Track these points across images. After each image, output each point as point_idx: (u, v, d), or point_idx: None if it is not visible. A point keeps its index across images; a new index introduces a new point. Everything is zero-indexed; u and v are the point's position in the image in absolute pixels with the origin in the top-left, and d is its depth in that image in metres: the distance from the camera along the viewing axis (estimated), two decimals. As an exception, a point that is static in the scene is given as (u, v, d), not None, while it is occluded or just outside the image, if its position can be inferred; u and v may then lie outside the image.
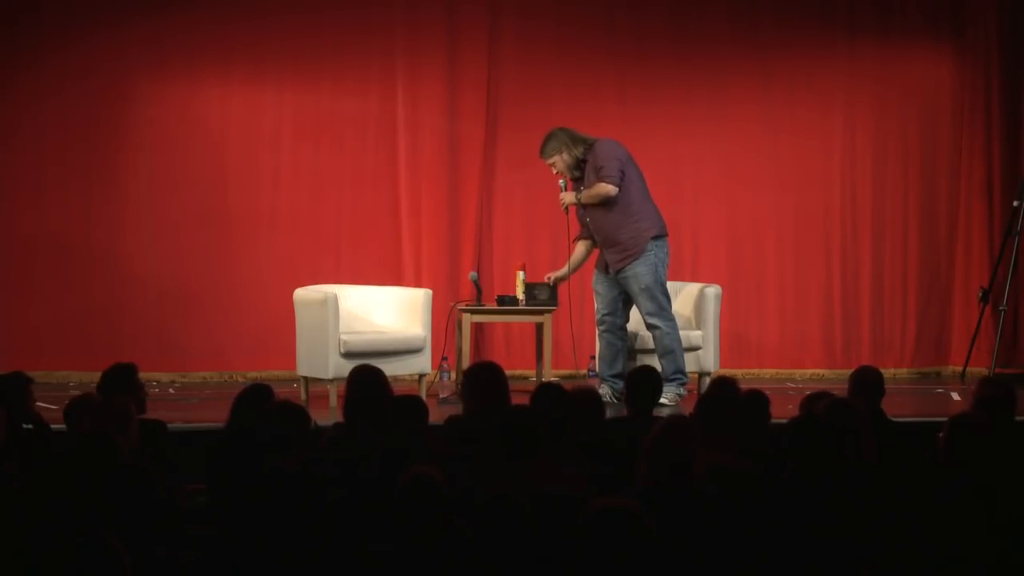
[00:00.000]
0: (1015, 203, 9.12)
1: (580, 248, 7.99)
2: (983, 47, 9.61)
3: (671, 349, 7.63)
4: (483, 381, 5.38)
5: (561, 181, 7.83)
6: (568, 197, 7.76)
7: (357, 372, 5.36)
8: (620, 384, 7.50)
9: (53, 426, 5.49)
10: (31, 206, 9.00)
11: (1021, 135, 9.59)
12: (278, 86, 9.19)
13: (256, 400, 5.13)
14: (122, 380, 5.46)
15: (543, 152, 7.74)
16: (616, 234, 7.62)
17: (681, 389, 7.61)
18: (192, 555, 3.98)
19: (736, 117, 9.52)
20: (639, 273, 7.58)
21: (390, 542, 3.75)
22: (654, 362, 7.48)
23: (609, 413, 6.10)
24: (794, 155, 9.58)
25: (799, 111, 9.58)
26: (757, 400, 5.07)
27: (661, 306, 7.62)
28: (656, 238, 7.61)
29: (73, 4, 9.02)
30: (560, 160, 7.69)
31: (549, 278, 8.08)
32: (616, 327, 7.78)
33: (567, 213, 7.81)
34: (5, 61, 8.97)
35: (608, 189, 7.56)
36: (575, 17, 9.41)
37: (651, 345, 7.82)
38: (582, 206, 7.72)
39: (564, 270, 8.06)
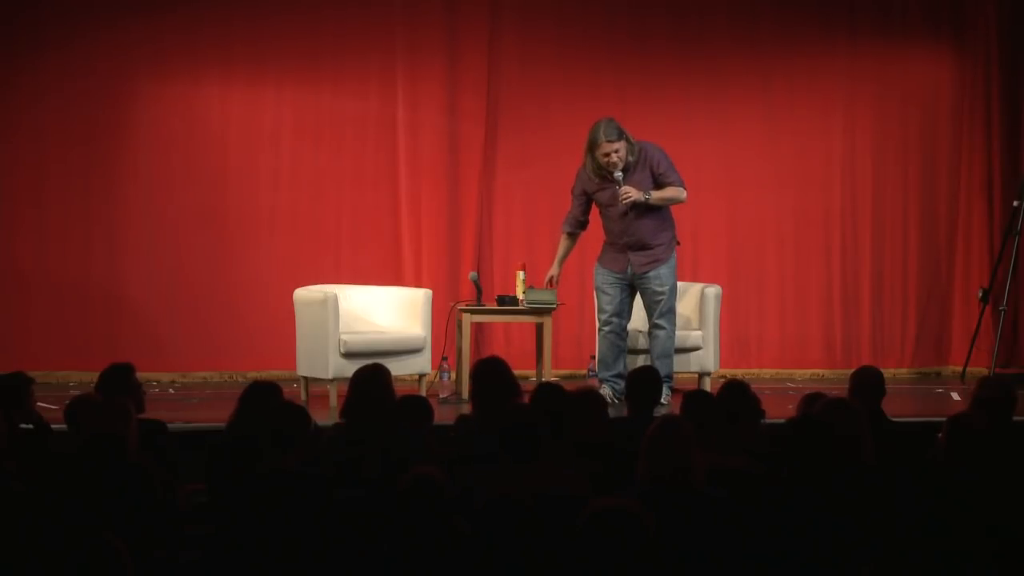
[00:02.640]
0: (1015, 203, 9.12)
1: (568, 243, 7.98)
2: (983, 47, 9.61)
3: (670, 352, 7.73)
4: (490, 376, 5.40)
5: (618, 173, 7.55)
6: (636, 193, 7.54)
7: (363, 371, 5.35)
8: (621, 384, 7.50)
9: (53, 426, 5.49)
10: (31, 206, 9.00)
11: (1021, 135, 9.59)
12: (278, 86, 9.19)
13: (262, 399, 5.12)
14: (119, 380, 5.46)
15: (612, 134, 7.51)
16: (651, 239, 7.66)
17: (670, 390, 7.66)
18: (192, 555, 3.98)
19: (736, 117, 9.52)
20: (663, 275, 7.68)
21: (390, 542, 3.75)
22: (646, 363, 7.48)
23: (610, 413, 6.10)
24: (794, 155, 9.57)
25: (799, 111, 9.58)
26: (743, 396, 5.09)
27: (671, 308, 7.75)
28: (676, 245, 7.80)
29: (73, 4, 9.01)
30: (623, 147, 7.56)
31: (552, 280, 8.02)
32: (621, 328, 7.80)
33: (620, 206, 7.56)
34: (5, 61, 8.96)
35: (685, 195, 7.68)
36: (575, 17, 9.40)
37: (643, 345, 7.84)
38: (622, 204, 7.53)
39: (555, 268, 8.02)
